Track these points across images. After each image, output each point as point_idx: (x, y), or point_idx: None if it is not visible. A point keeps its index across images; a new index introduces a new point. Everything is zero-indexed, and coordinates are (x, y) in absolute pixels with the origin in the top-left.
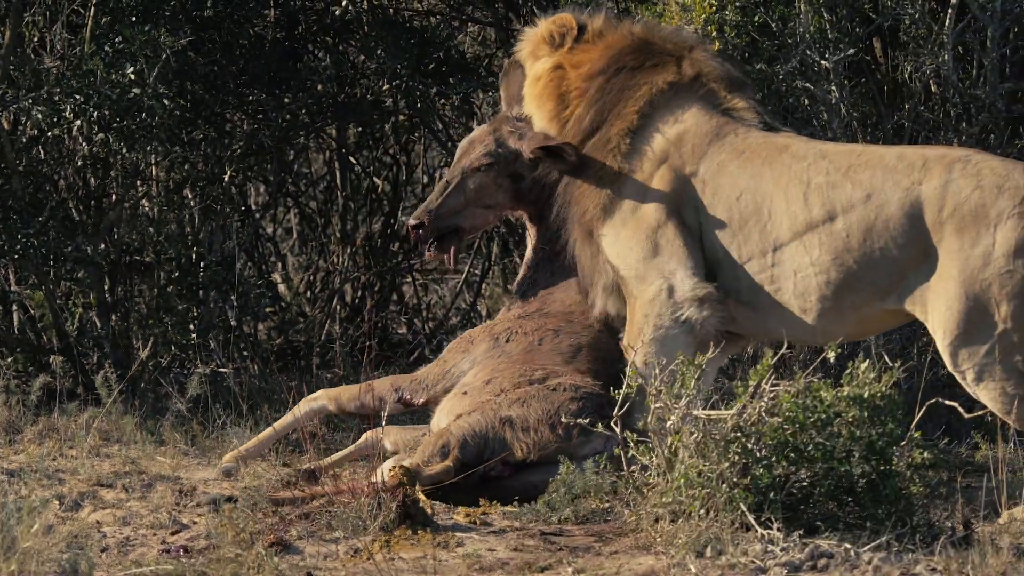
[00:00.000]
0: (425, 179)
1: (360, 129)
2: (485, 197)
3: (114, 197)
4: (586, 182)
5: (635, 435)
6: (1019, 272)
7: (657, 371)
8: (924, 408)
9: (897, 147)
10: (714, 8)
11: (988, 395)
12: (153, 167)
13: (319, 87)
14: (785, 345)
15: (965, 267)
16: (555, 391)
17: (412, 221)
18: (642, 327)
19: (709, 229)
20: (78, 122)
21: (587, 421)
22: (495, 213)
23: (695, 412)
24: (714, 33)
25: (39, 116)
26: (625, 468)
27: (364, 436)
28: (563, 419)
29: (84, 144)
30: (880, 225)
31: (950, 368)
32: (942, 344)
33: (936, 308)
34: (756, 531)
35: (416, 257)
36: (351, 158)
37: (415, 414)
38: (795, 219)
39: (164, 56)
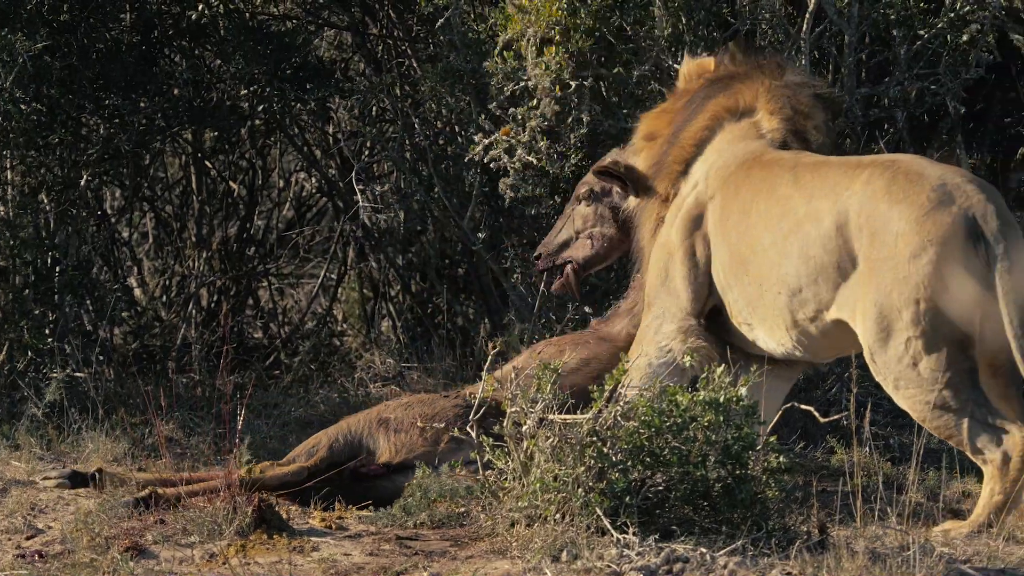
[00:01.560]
0: (281, 183)
1: (216, 133)
2: (589, 228)
3: None
4: (647, 207)
5: (490, 440)
6: (913, 278)
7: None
8: (780, 412)
9: (850, 157)
10: (564, 12)
11: (905, 403)
12: (9, 171)
13: (175, 91)
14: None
15: (874, 275)
16: (445, 398)
17: (535, 253)
18: (635, 350)
19: (714, 253)
20: None
21: (443, 425)
22: (605, 245)
23: (551, 416)
24: (557, 37)
25: None
26: (481, 472)
27: None
28: (433, 424)
29: None
30: (815, 236)
31: (875, 377)
32: (865, 355)
33: (857, 318)
34: (612, 535)
35: (545, 287)
36: (207, 162)
37: None
38: (768, 236)
39: (20, 60)
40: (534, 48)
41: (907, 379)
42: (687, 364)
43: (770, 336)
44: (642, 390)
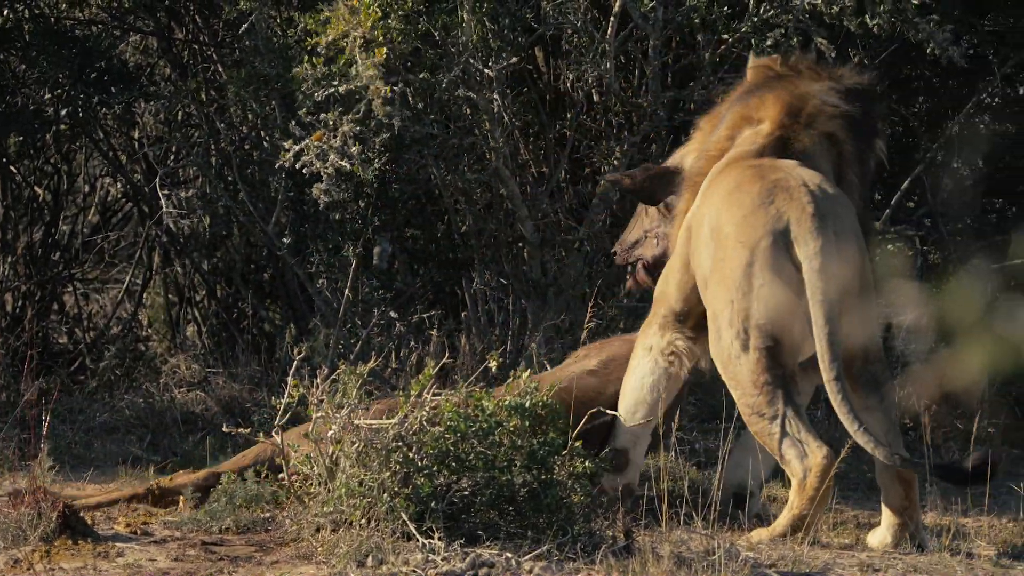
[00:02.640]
0: (86, 188)
1: (21, 138)
2: (655, 227)
3: None
4: (676, 212)
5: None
6: (729, 280)
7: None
8: (586, 418)
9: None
10: (379, 15)
11: (738, 405)
12: None
13: None
14: (447, 354)
15: (711, 276)
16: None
17: (611, 250)
18: (633, 352)
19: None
20: None
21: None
22: (668, 244)
23: (357, 421)
24: (380, 38)
25: None
26: (287, 477)
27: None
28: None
29: None
30: (704, 241)
31: None
32: None
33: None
34: (417, 540)
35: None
36: (12, 167)
37: None
38: (700, 244)
39: None
40: (360, 49)
41: (731, 380)
42: (662, 366)
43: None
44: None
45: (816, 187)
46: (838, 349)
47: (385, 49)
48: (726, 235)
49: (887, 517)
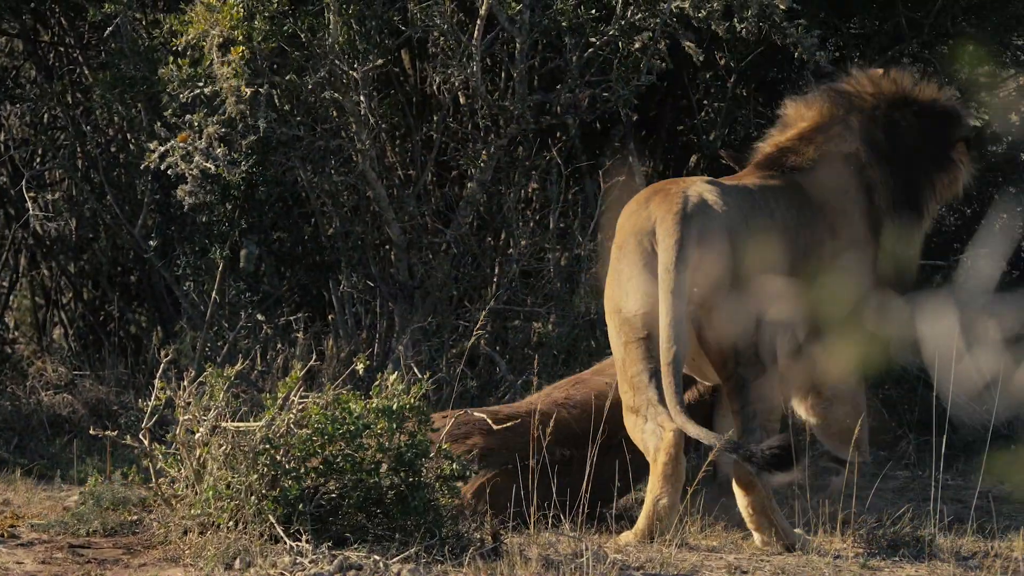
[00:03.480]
0: None
1: None
2: None
3: None
4: None
5: (163, 447)
6: (606, 278)
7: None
8: (454, 419)
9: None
10: (243, 15)
11: None
12: None
13: None
14: (314, 357)
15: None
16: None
17: None
18: None
19: None
20: None
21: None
22: None
23: (224, 424)
24: (241, 37)
25: None
26: (154, 480)
27: None
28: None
29: None
30: None
31: None
32: None
33: None
34: (285, 543)
35: None
36: None
37: None
38: None
39: None
40: (217, 48)
41: (618, 376)
42: None
43: None
44: None
45: (696, 193)
46: (681, 337)
47: (243, 49)
48: (612, 239)
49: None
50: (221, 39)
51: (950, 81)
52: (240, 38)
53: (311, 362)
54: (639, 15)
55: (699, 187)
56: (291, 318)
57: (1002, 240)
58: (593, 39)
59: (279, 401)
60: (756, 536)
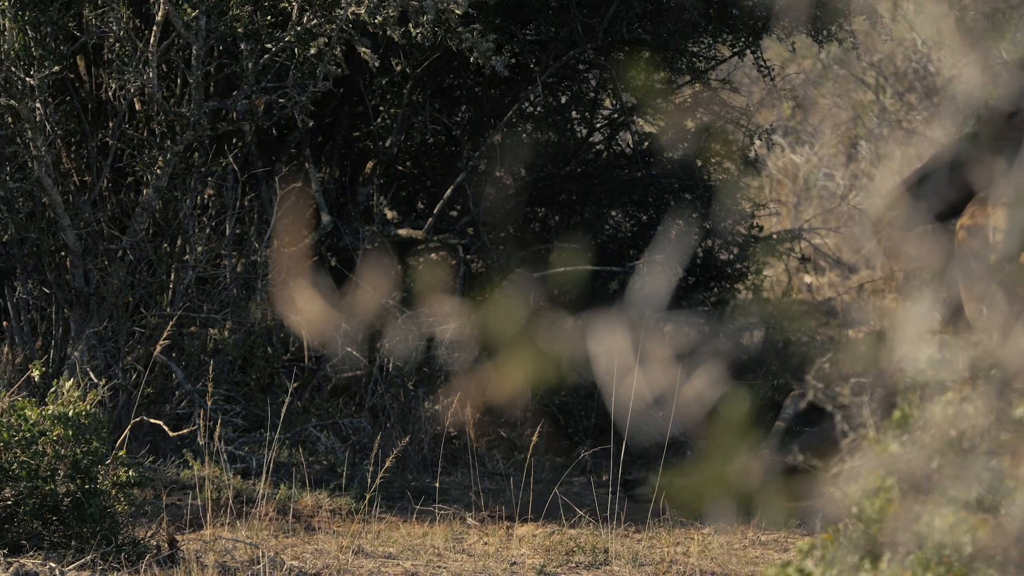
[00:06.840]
0: None
1: None
2: None
3: None
4: None
5: None
6: None
7: None
8: (130, 427)
9: None
10: None
11: None
12: None
13: None
14: None
15: None
16: None
17: None
18: None
19: None
20: None
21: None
22: None
23: None
24: None
25: None
26: None
27: None
28: None
29: None
30: None
31: None
32: None
33: None
34: None
35: None
36: None
37: None
38: None
39: None
40: None
41: None
42: None
43: None
44: None
45: None
46: None
47: None
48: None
49: None
50: None
51: (625, 87)
52: None
53: None
54: (315, 21)
55: None
56: None
57: (677, 246)
58: (269, 45)
59: None
60: None
